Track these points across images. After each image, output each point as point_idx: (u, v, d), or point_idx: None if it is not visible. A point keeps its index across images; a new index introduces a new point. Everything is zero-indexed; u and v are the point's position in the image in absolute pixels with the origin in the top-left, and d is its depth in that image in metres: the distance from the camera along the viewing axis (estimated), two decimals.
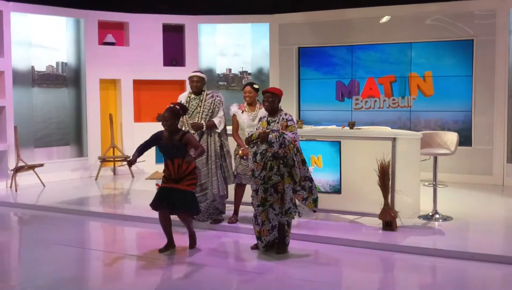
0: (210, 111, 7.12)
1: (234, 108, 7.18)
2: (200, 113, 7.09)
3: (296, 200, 6.03)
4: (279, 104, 6.12)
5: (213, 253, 6.26)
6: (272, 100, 6.03)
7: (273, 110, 6.07)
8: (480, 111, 10.09)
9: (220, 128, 7.12)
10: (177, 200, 6.09)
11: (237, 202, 7.25)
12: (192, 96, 7.23)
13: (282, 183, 5.91)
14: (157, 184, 6.42)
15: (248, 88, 7.11)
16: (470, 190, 9.37)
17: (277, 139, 5.82)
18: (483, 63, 10.03)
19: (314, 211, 6.18)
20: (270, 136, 5.83)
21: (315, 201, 6.00)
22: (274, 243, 6.15)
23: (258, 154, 5.94)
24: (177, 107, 6.27)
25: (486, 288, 5.39)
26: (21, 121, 10.43)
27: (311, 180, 6.00)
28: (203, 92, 7.22)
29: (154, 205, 6.22)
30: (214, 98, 7.19)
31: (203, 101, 7.16)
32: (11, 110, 10.10)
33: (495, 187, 9.70)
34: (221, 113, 7.17)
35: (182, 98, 7.29)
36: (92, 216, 8.09)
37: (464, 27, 10.15)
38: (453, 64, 10.37)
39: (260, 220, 6.03)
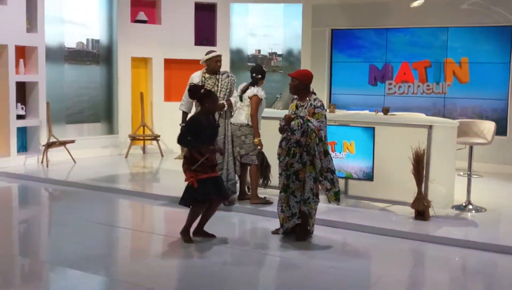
0: (228, 90, 7.09)
1: (262, 92, 7.08)
2: (218, 92, 7.02)
3: (320, 189, 5.89)
4: (309, 88, 5.91)
5: (238, 237, 6.22)
6: (295, 84, 5.86)
7: (299, 94, 5.90)
8: None
9: (235, 108, 7.12)
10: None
11: (242, 182, 7.26)
12: (207, 75, 7.16)
13: (303, 172, 5.79)
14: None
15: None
16: (504, 181, 9.18)
17: (299, 127, 5.63)
18: None
19: (337, 204, 6.03)
20: (292, 122, 5.66)
21: (336, 194, 5.79)
22: (295, 230, 6.05)
23: (284, 140, 5.85)
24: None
25: None
26: (53, 97, 10.49)
27: (332, 172, 5.78)
28: (218, 72, 7.18)
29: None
30: (230, 78, 7.17)
31: (219, 80, 7.12)
32: (43, 86, 10.16)
33: None
34: (235, 93, 7.19)
35: (196, 77, 7.20)
36: (121, 194, 8.12)
37: (503, 13, 9.85)
38: (490, 51, 10.10)
39: (282, 206, 5.95)
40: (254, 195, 7.13)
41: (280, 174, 5.94)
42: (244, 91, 7.12)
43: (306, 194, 5.79)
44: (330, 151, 5.92)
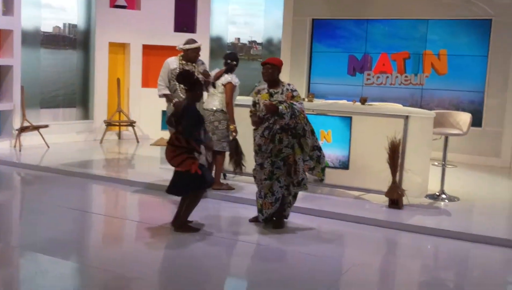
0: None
1: (236, 79, 7.05)
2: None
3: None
4: (279, 76, 5.96)
5: (215, 224, 6.20)
6: (271, 72, 5.87)
7: (273, 81, 5.92)
8: (493, 93, 9.92)
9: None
10: None
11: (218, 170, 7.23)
12: (184, 62, 7.13)
13: (293, 155, 5.81)
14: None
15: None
16: (478, 171, 9.28)
17: (287, 110, 5.70)
18: (500, 44, 9.82)
19: (321, 181, 6.05)
20: (280, 107, 5.69)
21: (323, 170, 5.94)
22: (272, 217, 6.06)
23: (266, 129, 5.82)
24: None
25: (487, 270, 5.33)
26: (28, 81, 10.33)
27: (319, 149, 5.92)
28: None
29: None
30: (203, 65, 7.23)
31: (196, 68, 7.12)
32: (18, 69, 9.98)
33: (503, 169, 9.60)
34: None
35: (173, 63, 7.14)
36: (95, 180, 8.03)
37: (483, 6, 9.92)
38: (469, 44, 10.17)
39: (263, 193, 5.94)
40: (217, 181, 7.11)
41: (261, 164, 5.90)
42: (218, 77, 7.08)
43: (300, 176, 5.83)
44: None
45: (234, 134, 6.83)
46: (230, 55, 7.29)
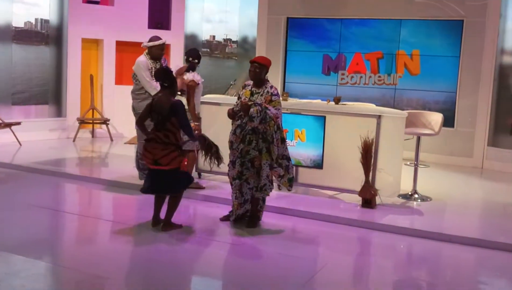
0: None
1: (199, 77, 7.00)
2: None
3: (273, 176, 5.92)
4: (266, 75, 5.93)
5: (188, 223, 6.18)
6: (259, 71, 5.81)
7: (259, 81, 5.88)
8: (465, 93, 10.06)
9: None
10: None
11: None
12: (151, 61, 7.13)
13: (259, 159, 5.77)
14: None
15: None
16: (450, 171, 9.40)
17: (258, 114, 5.63)
18: (472, 45, 9.96)
19: (289, 190, 6.05)
20: (251, 109, 5.64)
21: (290, 180, 5.89)
22: (245, 217, 6.06)
23: (238, 127, 5.81)
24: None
25: (459, 270, 5.43)
26: (0, 77, 10.16)
27: (288, 159, 5.87)
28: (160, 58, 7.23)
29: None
30: (166, 61, 7.31)
31: (164, 64, 7.17)
32: None
33: (475, 169, 9.74)
34: None
35: (144, 63, 7.10)
36: (68, 178, 7.94)
37: (455, 7, 10.05)
38: (441, 44, 10.29)
39: (234, 193, 5.93)
40: None
41: (233, 162, 5.89)
42: (179, 75, 7.04)
43: (263, 181, 5.79)
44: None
45: (196, 132, 6.66)
46: (191, 52, 7.18)
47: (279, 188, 6.01)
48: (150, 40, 7.15)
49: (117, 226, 6.02)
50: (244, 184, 5.87)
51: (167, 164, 5.64)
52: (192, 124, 6.52)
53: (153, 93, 6.74)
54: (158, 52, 7.11)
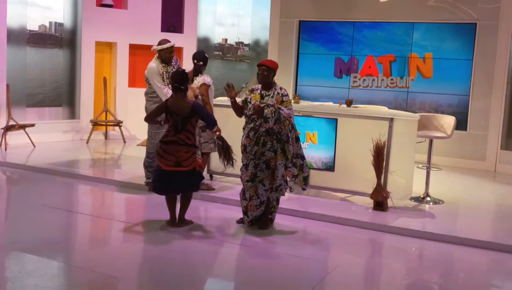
0: None
1: (209, 79, 7.00)
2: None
3: (287, 177, 5.94)
4: (274, 78, 5.96)
5: (200, 224, 6.21)
6: (267, 74, 5.85)
7: (268, 83, 5.91)
8: (478, 96, 10.02)
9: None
10: None
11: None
12: (163, 65, 7.17)
13: (274, 160, 5.81)
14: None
15: None
16: (462, 174, 9.36)
17: (272, 115, 5.69)
18: (485, 48, 9.92)
19: (304, 189, 6.07)
20: (265, 111, 5.69)
21: (305, 179, 5.91)
22: (260, 218, 6.08)
23: (252, 130, 5.84)
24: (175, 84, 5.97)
25: (471, 273, 5.40)
26: (14, 80, 10.27)
27: (303, 158, 5.90)
28: (170, 62, 7.26)
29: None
30: (178, 62, 7.35)
31: (176, 67, 7.23)
32: (4, 67, 9.92)
33: (487, 173, 9.68)
34: None
35: (155, 69, 7.12)
36: (82, 179, 8.01)
37: (468, 10, 10.02)
38: (454, 47, 10.25)
39: (248, 195, 5.94)
40: None
41: (246, 165, 5.92)
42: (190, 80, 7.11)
43: (278, 181, 5.83)
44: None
45: (217, 133, 6.69)
46: (196, 55, 7.17)
47: (291, 190, 6.02)
48: (159, 44, 7.20)
49: (129, 227, 6.07)
50: (259, 185, 5.90)
51: (189, 165, 5.76)
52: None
53: (164, 99, 6.77)
54: (167, 55, 7.15)
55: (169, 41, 7.22)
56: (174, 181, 5.82)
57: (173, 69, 7.17)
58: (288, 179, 5.93)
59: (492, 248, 5.76)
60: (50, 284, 4.51)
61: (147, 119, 6.14)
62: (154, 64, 7.19)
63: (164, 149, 5.80)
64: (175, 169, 5.77)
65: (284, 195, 6.00)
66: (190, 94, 6.70)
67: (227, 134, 7.03)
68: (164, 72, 7.13)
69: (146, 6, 11.58)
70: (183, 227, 5.93)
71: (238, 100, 6.07)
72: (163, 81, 7.12)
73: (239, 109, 6.03)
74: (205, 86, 6.93)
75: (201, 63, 7.06)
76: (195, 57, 7.13)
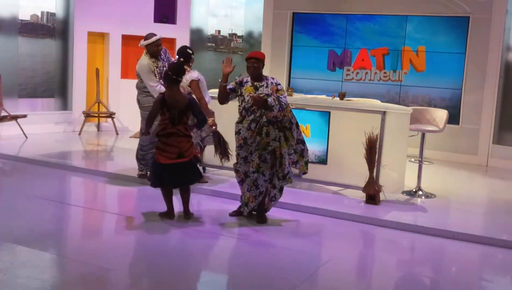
0: None
1: (195, 74, 6.94)
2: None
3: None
4: (262, 69, 5.99)
5: (192, 218, 6.21)
6: (257, 66, 5.88)
7: (258, 75, 5.93)
8: (470, 90, 10.05)
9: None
10: None
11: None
12: (152, 59, 7.12)
13: (279, 149, 5.84)
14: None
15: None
16: (454, 168, 9.40)
17: (276, 102, 5.73)
18: (477, 42, 9.94)
19: (304, 173, 6.11)
20: (269, 100, 5.70)
21: (307, 163, 6.01)
22: (254, 211, 6.09)
23: (252, 122, 5.84)
24: (169, 72, 5.91)
25: (462, 267, 5.43)
26: (6, 70, 10.20)
27: (303, 142, 5.98)
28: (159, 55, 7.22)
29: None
30: (167, 54, 7.31)
31: (166, 61, 7.19)
32: None
33: (479, 167, 9.73)
34: None
35: (146, 67, 7.07)
36: (74, 171, 7.98)
37: (461, 3, 10.03)
38: (447, 41, 10.27)
39: (248, 186, 5.96)
40: None
41: (245, 158, 5.91)
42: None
43: (286, 169, 5.87)
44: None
45: (213, 127, 6.73)
46: (179, 50, 7.04)
47: (299, 172, 6.11)
48: (145, 39, 7.12)
49: (122, 219, 6.07)
50: (260, 176, 5.91)
51: (189, 155, 5.86)
52: (210, 121, 6.63)
53: (155, 95, 6.72)
54: (154, 48, 7.09)
55: (155, 35, 7.14)
56: (176, 174, 5.83)
57: (163, 62, 7.13)
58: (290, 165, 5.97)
59: (483, 242, 5.79)
60: (42, 275, 4.51)
61: (148, 122, 5.95)
62: (145, 61, 7.12)
63: (164, 142, 5.79)
64: (175, 161, 5.77)
65: (292, 182, 6.05)
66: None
67: (221, 125, 7.04)
68: (155, 67, 7.08)
69: None
70: (190, 220, 5.97)
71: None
72: (155, 77, 7.08)
73: (225, 95, 5.98)
74: (195, 82, 6.89)
75: (182, 59, 6.76)
76: (178, 53, 7.04)
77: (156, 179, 5.90)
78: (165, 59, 7.21)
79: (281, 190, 6.06)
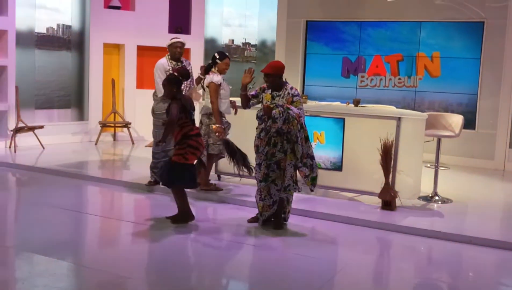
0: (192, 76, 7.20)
1: (218, 77, 6.98)
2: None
3: (299, 176, 5.95)
4: (283, 79, 5.96)
5: (209, 225, 6.23)
6: (272, 80, 5.88)
7: (276, 87, 5.93)
8: (486, 95, 9.99)
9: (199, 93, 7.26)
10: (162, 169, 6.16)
11: (207, 172, 7.24)
12: (173, 62, 7.31)
13: (284, 160, 5.84)
14: None
15: (228, 60, 7.08)
16: (471, 173, 9.33)
17: (281, 115, 5.70)
18: (492, 47, 9.89)
19: (311, 191, 6.05)
20: (273, 111, 5.71)
21: (314, 179, 5.89)
22: (272, 218, 6.11)
23: (263, 130, 5.86)
24: (175, 74, 6.04)
25: (480, 272, 5.39)
26: (23, 82, 10.33)
27: (312, 158, 5.90)
28: (182, 59, 7.38)
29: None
30: (190, 65, 7.43)
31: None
32: (13, 70, 9.98)
33: (496, 171, 9.65)
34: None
35: (165, 64, 7.30)
36: (91, 181, 8.05)
37: (475, 9, 9.99)
38: (462, 46, 10.23)
39: (263, 195, 5.98)
40: (205, 182, 7.16)
41: (259, 164, 5.94)
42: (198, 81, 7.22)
43: (287, 182, 5.86)
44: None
45: (217, 134, 6.63)
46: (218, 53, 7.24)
47: (299, 190, 6.03)
48: (170, 40, 7.44)
49: (138, 227, 6.10)
50: (271, 186, 5.93)
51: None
52: (215, 127, 6.63)
53: (160, 95, 7.06)
54: (173, 50, 7.31)
55: (177, 38, 7.40)
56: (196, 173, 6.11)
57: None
58: (300, 178, 5.95)
59: (500, 247, 5.74)
60: (60, 284, 4.54)
61: (171, 129, 5.92)
62: (164, 59, 7.38)
63: (198, 142, 6.01)
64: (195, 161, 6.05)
65: (292, 195, 6.01)
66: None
67: (236, 134, 7.06)
68: (170, 68, 7.18)
69: (153, 8, 11.63)
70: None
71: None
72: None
73: (246, 102, 6.09)
74: (213, 84, 6.91)
75: (210, 62, 7.12)
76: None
77: (191, 181, 6.01)
78: (186, 66, 7.27)
79: (288, 200, 6.05)
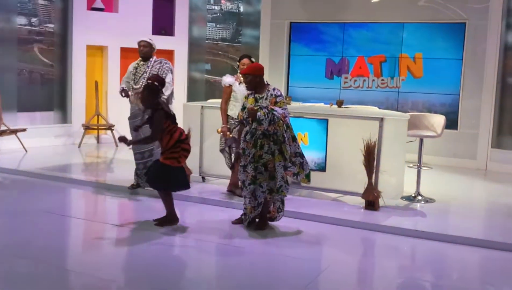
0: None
1: (228, 79, 7.03)
2: (145, 79, 6.98)
3: (287, 176, 5.97)
4: (263, 80, 5.98)
5: (194, 227, 6.22)
6: (250, 80, 5.90)
7: (256, 88, 5.95)
8: (468, 95, 10.08)
9: (166, 94, 6.88)
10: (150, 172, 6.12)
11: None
12: (141, 62, 7.32)
13: (272, 161, 5.85)
14: None
15: (246, 60, 7.01)
16: (453, 173, 9.41)
17: (266, 116, 5.71)
18: (474, 47, 9.99)
19: (307, 183, 6.14)
20: (258, 113, 5.71)
21: (308, 176, 6.04)
22: (255, 219, 6.11)
23: (249, 133, 5.87)
24: (155, 83, 5.97)
25: (463, 271, 5.43)
26: (4, 84, 10.24)
27: (302, 156, 5.93)
28: (151, 59, 7.29)
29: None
30: (162, 64, 7.23)
31: (150, 67, 7.21)
32: None
33: (478, 171, 9.75)
34: (168, 79, 7.11)
35: (130, 65, 7.40)
36: (74, 184, 8.00)
37: (457, 10, 10.08)
38: (444, 47, 10.32)
39: (247, 197, 5.98)
40: (237, 184, 7.06)
41: (244, 166, 5.95)
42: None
43: (279, 183, 5.87)
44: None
45: (221, 134, 6.75)
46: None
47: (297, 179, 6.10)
48: None
49: (122, 230, 6.07)
50: (257, 187, 5.93)
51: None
52: (218, 129, 6.88)
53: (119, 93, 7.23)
54: (138, 50, 7.34)
55: (143, 39, 7.41)
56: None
57: (147, 68, 7.23)
58: (289, 178, 5.97)
59: (483, 246, 5.80)
60: (42, 287, 4.51)
61: (156, 134, 5.92)
62: (133, 63, 7.44)
63: (189, 144, 6.06)
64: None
65: (285, 195, 6.03)
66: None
67: (218, 135, 7.06)
68: (135, 68, 7.28)
69: (137, 9, 11.59)
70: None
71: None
72: (129, 77, 7.33)
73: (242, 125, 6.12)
74: (224, 87, 7.02)
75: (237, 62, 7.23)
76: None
77: (183, 182, 6.04)
78: (152, 66, 7.22)
79: (282, 202, 6.07)
